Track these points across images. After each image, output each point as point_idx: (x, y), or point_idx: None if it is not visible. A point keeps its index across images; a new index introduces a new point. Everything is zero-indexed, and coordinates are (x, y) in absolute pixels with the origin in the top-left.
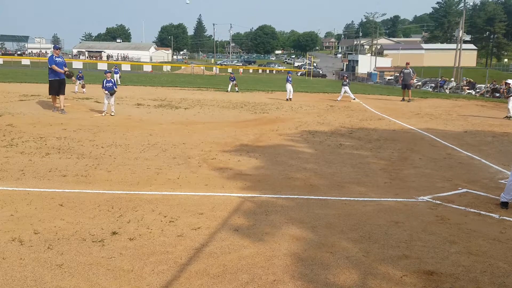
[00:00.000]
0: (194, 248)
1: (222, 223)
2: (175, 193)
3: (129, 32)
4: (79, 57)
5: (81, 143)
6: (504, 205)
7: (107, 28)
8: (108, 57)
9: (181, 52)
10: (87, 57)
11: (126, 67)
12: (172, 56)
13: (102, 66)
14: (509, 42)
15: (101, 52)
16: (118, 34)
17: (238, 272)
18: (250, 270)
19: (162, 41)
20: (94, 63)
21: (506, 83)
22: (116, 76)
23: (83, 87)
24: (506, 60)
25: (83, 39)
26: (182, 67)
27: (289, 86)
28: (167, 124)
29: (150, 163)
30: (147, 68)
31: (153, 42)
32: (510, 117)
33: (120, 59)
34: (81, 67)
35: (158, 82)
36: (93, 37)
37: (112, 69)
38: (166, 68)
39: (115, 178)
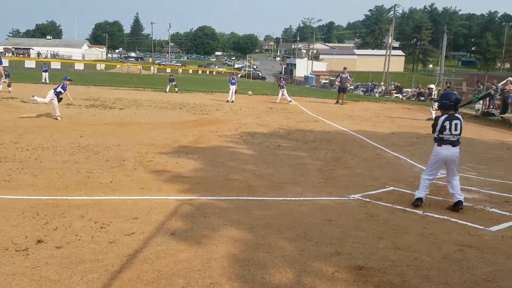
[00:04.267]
0: (127, 255)
1: (158, 228)
2: (107, 198)
3: (60, 29)
4: (4, 54)
5: (4, 145)
6: (419, 200)
7: (36, 24)
8: (38, 54)
9: (117, 51)
10: (14, 54)
11: (56, 65)
12: (107, 55)
13: (30, 64)
14: (434, 49)
15: (29, 49)
16: (49, 30)
17: (174, 277)
18: (186, 274)
19: (96, 39)
20: (21, 61)
21: (429, 88)
22: (45, 75)
23: (9, 85)
24: (431, 65)
25: (10, 36)
26: (118, 66)
27: (232, 88)
28: (100, 125)
29: (80, 167)
30: (79, 66)
31: (86, 39)
32: (431, 118)
33: (49, 57)
34: (7, 64)
35: (91, 81)
36: (21, 34)
37: (42, 67)
38: (100, 66)
39: (41, 183)
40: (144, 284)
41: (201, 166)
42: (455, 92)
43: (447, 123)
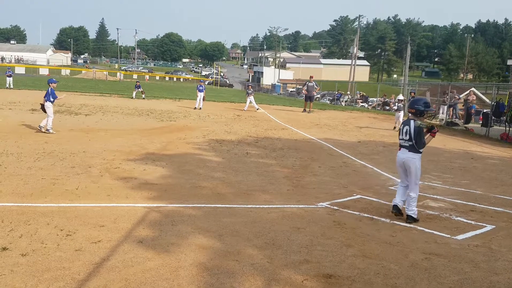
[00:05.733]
0: (94, 263)
1: (125, 235)
2: (73, 205)
3: (25, 34)
4: None
5: None
6: (394, 208)
7: (0, 28)
8: (2, 59)
9: (82, 56)
10: None
11: (20, 69)
12: (72, 60)
13: None
14: (398, 59)
15: None
16: (13, 35)
17: (142, 285)
18: (154, 283)
19: (61, 44)
20: None
21: (398, 100)
22: (9, 80)
23: None
24: (395, 75)
25: None
26: (83, 72)
27: (200, 95)
28: (65, 131)
29: (46, 173)
30: (44, 71)
31: (51, 44)
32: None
33: (13, 62)
34: None
35: (56, 87)
36: None
37: (6, 72)
38: (65, 72)
39: (6, 190)
40: None
41: (169, 173)
42: (423, 97)
43: (401, 127)
